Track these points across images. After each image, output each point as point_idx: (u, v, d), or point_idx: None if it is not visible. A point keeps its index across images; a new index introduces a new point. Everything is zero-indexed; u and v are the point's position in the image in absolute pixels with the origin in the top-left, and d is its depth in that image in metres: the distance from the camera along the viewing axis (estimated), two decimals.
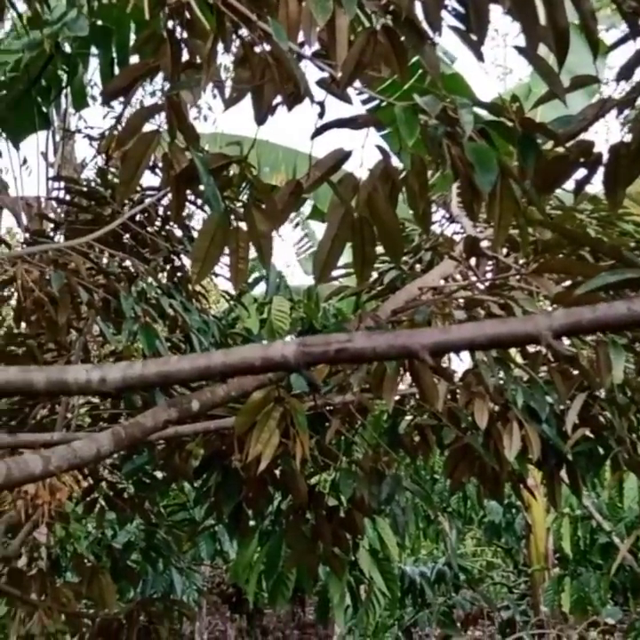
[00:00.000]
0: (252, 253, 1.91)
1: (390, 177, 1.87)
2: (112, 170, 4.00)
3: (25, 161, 6.79)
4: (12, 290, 3.23)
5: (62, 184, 5.98)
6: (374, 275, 3.39)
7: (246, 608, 7.06)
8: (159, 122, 1.88)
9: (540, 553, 6.97)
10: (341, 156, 1.87)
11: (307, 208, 9.69)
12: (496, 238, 1.59)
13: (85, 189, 3.57)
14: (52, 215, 6.58)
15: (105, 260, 3.46)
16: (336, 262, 1.91)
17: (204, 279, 1.93)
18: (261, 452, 2.01)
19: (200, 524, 5.22)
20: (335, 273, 3.61)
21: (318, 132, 1.79)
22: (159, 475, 3.62)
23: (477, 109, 1.60)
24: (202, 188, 1.79)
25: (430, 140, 1.65)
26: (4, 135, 6.14)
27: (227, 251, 1.87)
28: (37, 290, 2.82)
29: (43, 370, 1.19)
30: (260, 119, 1.85)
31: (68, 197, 3.81)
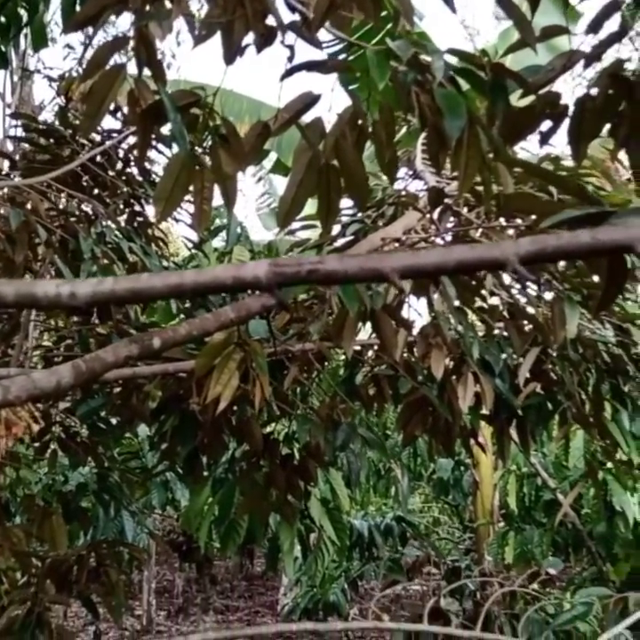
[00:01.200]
0: (215, 202, 1.90)
1: (358, 124, 1.87)
2: (72, 111, 3.92)
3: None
4: None
5: (19, 123, 5.84)
6: (336, 228, 3.41)
7: (196, 557, 7.13)
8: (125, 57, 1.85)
9: (486, 509, 7.15)
10: (310, 100, 1.86)
11: (268, 163, 9.62)
12: (461, 186, 1.60)
13: (44, 128, 3.50)
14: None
15: (63, 201, 3.41)
16: (300, 209, 1.91)
17: (166, 219, 1.92)
18: (220, 393, 2.03)
19: (152, 472, 5.26)
20: (296, 225, 3.62)
21: (288, 73, 1.77)
22: (113, 421, 3.63)
23: (448, 57, 1.60)
24: (167, 127, 1.77)
25: (400, 87, 1.64)
26: None
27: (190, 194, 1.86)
28: None
29: (11, 283, 1.18)
30: (229, 58, 1.82)
31: (25, 136, 3.73)
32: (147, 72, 1.78)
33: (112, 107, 4.55)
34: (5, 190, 3.01)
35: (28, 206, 2.97)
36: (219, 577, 11.00)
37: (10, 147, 6.22)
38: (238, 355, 2.05)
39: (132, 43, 1.65)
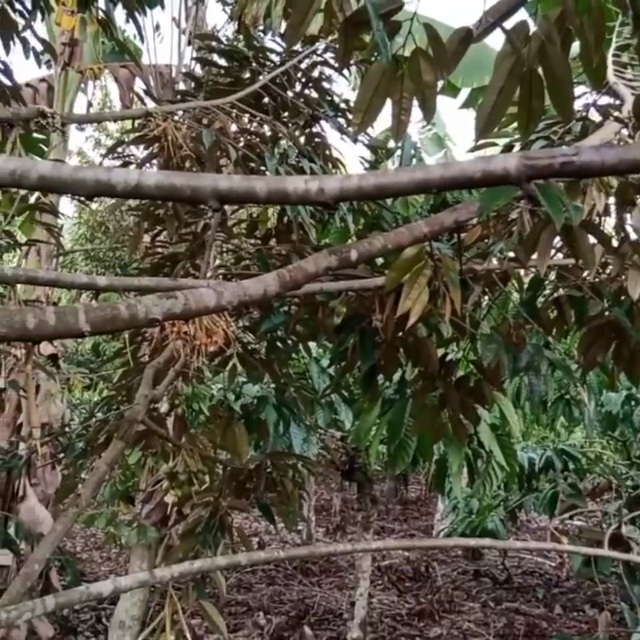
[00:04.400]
0: (385, 124, 1.87)
1: (565, 25, 1.77)
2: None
3: (157, 27, 6.80)
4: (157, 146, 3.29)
5: (195, 51, 5.97)
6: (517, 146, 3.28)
7: (357, 477, 7.33)
8: None
9: None
10: (515, 3, 1.78)
11: None
12: None
13: (227, 49, 3.55)
14: (181, 85, 6.62)
15: (245, 122, 3.47)
16: (501, 116, 1.85)
17: (366, 129, 1.91)
18: (410, 308, 2.03)
19: (325, 391, 5.40)
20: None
21: None
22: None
23: None
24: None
25: None
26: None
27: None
28: (186, 147, 2.86)
29: (264, 179, 1.22)
30: None
31: (206, 57, 3.81)
32: None
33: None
34: (194, 111, 3.10)
35: (216, 126, 3.05)
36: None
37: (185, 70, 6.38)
38: (428, 271, 2.05)
39: None
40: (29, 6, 3.56)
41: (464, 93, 8.78)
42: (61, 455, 4.01)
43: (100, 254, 11.82)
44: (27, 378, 2.90)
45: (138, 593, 5.79)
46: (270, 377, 3.86)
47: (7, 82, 3.59)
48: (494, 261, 2.49)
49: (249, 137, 3.34)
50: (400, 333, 2.67)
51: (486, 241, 2.49)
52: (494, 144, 3.21)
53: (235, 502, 3.72)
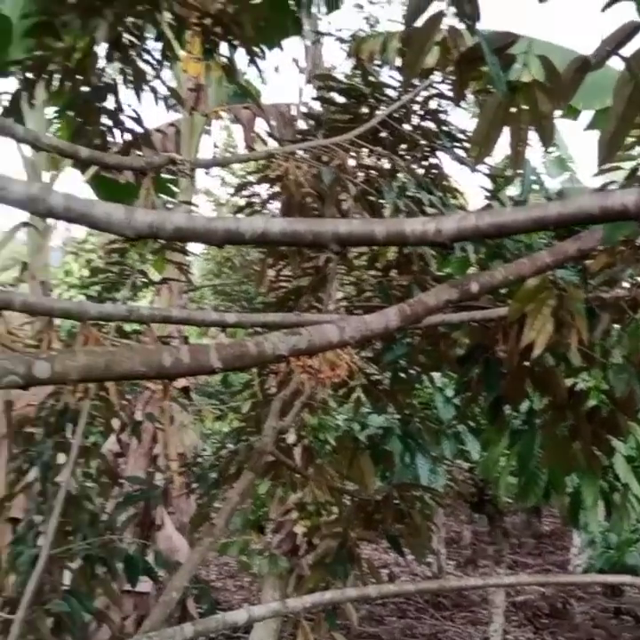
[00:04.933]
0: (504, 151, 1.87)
1: None
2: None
3: (277, 68, 7.03)
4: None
5: (317, 85, 6.13)
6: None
7: (487, 509, 7.18)
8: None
9: None
10: (631, 29, 1.75)
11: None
12: None
13: (344, 87, 3.64)
14: (301, 122, 6.80)
15: (364, 157, 3.53)
16: (622, 142, 1.82)
17: (483, 161, 1.92)
18: (534, 339, 2.01)
19: (443, 424, 5.36)
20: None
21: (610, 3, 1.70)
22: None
23: None
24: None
25: None
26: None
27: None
28: (306, 185, 2.95)
29: (383, 222, 1.26)
30: None
31: (323, 96, 3.91)
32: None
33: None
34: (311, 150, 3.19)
35: (335, 163, 3.13)
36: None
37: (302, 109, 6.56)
38: (553, 300, 2.02)
39: None
40: (159, 56, 3.78)
41: (585, 115, 8.58)
42: (195, 485, 4.15)
43: (226, 289, 12.21)
44: (164, 412, 3.03)
45: (271, 622, 5.88)
46: (395, 407, 3.87)
47: (138, 129, 3.82)
48: (623, 288, 2.42)
49: (367, 171, 3.39)
50: (526, 363, 2.63)
51: (614, 268, 2.42)
52: (619, 168, 3.13)
53: (363, 533, 3.73)
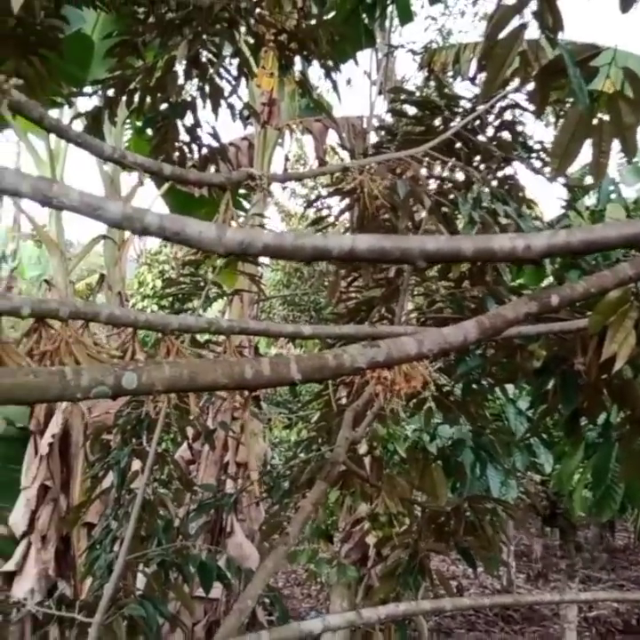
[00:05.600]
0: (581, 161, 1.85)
1: None
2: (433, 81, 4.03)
3: (349, 81, 7.09)
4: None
5: (386, 101, 6.15)
6: None
7: (559, 522, 7.05)
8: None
9: None
10: None
11: None
12: None
13: (419, 100, 3.65)
14: (372, 134, 6.83)
15: (437, 169, 3.54)
16: None
17: (563, 173, 1.91)
18: (616, 352, 1.98)
19: (515, 436, 5.28)
20: None
21: None
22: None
23: None
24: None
25: None
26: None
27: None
28: (381, 197, 2.96)
29: (470, 238, 1.27)
30: (626, 6, 1.76)
31: (394, 108, 3.93)
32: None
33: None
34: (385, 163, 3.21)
35: (408, 175, 3.14)
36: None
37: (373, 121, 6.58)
38: (635, 313, 1.99)
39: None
40: (235, 73, 3.86)
41: None
42: (265, 493, 4.20)
43: (295, 299, 12.30)
44: (245, 424, 3.09)
45: (340, 633, 5.89)
46: (466, 419, 3.84)
47: (215, 144, 3.90)
48: None
49: (441, 183, 3.40)
50: (604, 375, 2.59)
51: None
52: None
53: (434, 545, 3.71)
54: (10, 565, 6.14)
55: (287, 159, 7.26)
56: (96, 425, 5.83)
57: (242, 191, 7.59)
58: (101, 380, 1.42)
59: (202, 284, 3.76)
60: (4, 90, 1.58)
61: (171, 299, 4.03)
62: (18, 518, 6.22)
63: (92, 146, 1.81)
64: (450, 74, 5.35)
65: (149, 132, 3.76)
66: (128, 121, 7.16)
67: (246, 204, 7.94)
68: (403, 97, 3.70)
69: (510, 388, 5.54)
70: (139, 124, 6.79)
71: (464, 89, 3.69)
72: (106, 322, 1.85)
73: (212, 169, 3.80)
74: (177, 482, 4.07)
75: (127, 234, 7.15)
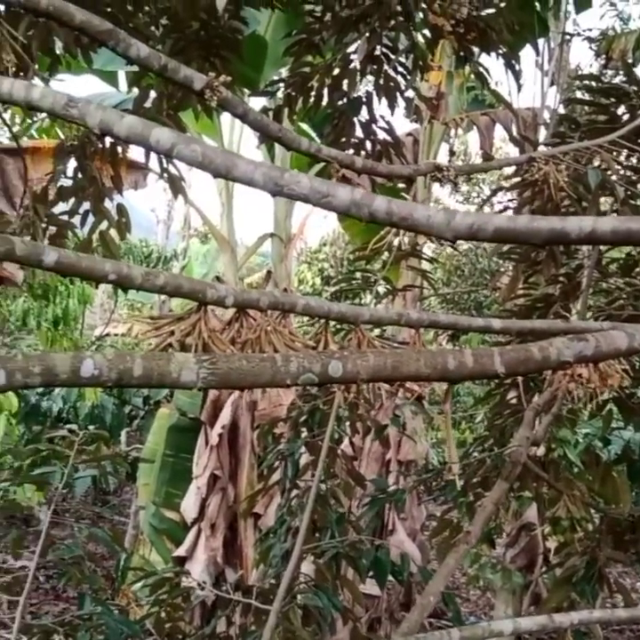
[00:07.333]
0: None
1: None
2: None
3: (519, 72, 6.87)
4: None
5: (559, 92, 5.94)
6: None
7: None
8: None
9: None
10: None
11: None
12: None
13: (606, 87, 3.49)
14: (542, 128, 6.61)
15: (622, 158, 3.37)
16: None
17: None
18: None
19: None
20: None
21: None
22: None
23: None
24: None
25: None
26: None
27: None
28: (566, 188, 2.85)
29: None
30: None
31: (570, 98, 3.78)
32: None
33: None
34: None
35: (594, 165, 3.00)
36: None
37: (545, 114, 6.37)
38: None
39: None
40: (410, 66, 3.84)
41: None
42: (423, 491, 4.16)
43: (455, 297, 12.14)
44: (447, 418, 3.06)
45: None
46: None
47: (389, 139, 3.90)
48: None
49: (629, 174, 3.23)
50: None
51: None
52: None
53: (614, 553, 3.55)
54: (181, 551, 6.41)
55: (453, 154, 7.17)
56: (265, 417, 5.99)
57: (400, 185, 7.58)
58: (309, 368, 1.44)
59: (372, 279, 3.76)
60: (214, 87, 1.64)
61: (329, 296, 4.07)
62: (189, 506, 6.48)
63: (291, 140, 1.85)
64: (629, 61, 5.08)
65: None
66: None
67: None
68: (587, 84, 3.55)
69: None
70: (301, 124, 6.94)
71: None
72: (302, 312, 1.89)
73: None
74: (344, 475, 4.10)
75: (293, 231, 7.30)
